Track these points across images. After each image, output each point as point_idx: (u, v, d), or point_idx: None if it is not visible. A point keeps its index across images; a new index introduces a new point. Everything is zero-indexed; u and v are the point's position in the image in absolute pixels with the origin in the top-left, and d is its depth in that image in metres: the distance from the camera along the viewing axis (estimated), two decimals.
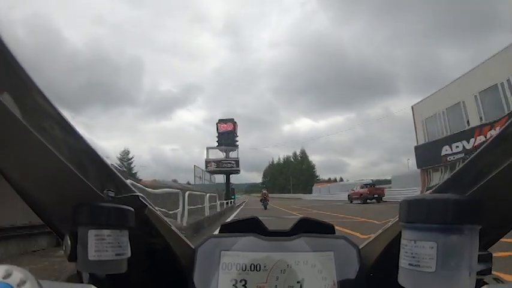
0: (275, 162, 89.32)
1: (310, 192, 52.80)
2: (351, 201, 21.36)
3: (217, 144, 35.47)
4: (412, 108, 19.28)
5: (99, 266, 0.35)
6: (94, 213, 0.35)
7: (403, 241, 0.30)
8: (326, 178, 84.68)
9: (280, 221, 8.34)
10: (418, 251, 0.28)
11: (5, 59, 0.26)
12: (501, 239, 0.37)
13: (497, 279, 0.37)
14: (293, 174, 79.43)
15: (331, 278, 0.45)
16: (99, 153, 0.35)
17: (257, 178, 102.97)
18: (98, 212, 0.35)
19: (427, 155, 16.31)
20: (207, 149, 34.73)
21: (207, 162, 32.96)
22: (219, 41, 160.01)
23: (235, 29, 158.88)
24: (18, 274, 0.23)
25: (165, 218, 0.46)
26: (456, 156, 14.39)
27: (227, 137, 35.57)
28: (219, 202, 12.47)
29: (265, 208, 16.12)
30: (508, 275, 2.03)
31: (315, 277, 0.45)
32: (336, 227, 0.54)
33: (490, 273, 0.33)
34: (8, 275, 0.23)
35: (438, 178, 15.62)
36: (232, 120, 37.09)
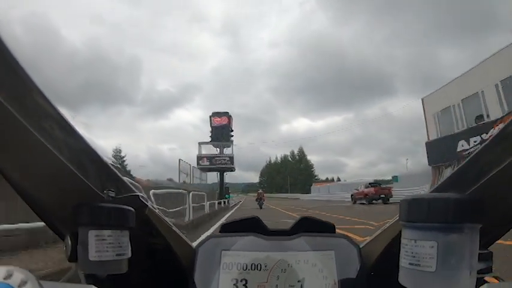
0: (272, 161, 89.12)
1: (308, 192, 52.22)
2: (355, 202, 19.80)
3: (210, 139, 31.37)
4: (422, 100, 17.08)
5: (99, 266, 0.35)
6: (94, 214, 0.35)
7: (403, 240, 0.30)
8: (324, 178, 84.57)
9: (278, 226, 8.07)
10: (419, 250, 0.28)
11: (5, 59, 0.26)
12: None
13: (498, 278, 0.37)
14: (291, 173, 78.84)
15: (332, 277, 0.45)
16: (99, 153, 0.35)
17: (254, 178, 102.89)
18: (99, 212, 0.35)
19: (441, 151, 14.33)
20: (199, 144, 31.02)
21: (199, 158, 29.45)
22: (217, 41, 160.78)
23: (234, 28, 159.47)
24: (19, 275, 0.23)
25: (166, 218, 0.46)
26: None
27: (221, 131, 31.34)
28: (207, 203, 10.61)
29: (261, 208, 16.42)
30: None
31: (316, 276, 0.45)
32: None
33: (491, 271, 0.33)
34: (9, 276, 0.23)
35: None
36: (227, 114, 32.57)
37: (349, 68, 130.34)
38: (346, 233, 0.54)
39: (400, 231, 0.31)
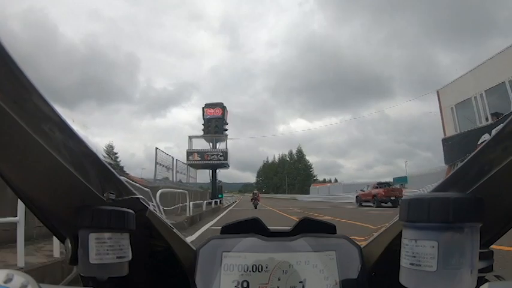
0: (270, 161, 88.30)
1: (307, 192, 51.64)
2: (360, 204, 17.63)
3: (203, 132, 27.46)
4: (438, 93, 15.21)
5: (100, 269, 0.35)
6: (95, 216, 0.34)
7: (403, 240, 0.30)
8: (321, 179, 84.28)
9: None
10: (419, 250, 0.28)
11: (4, 61, 0.26)
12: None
13: (499, 277, 0.37)
14: (289, 173, 78.21)
15: (333, 278, 0.45)
16: (100, 155, 0.35)
17: (251, 178, 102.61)
18: (99, 215, 0.35)
19: (460, 148, 12.30)
20: (190, 137, 26.94)
21: (189, 153, 25.25)
22: (215, 40, 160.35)
23: (232, 28, 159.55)
24: (19, 278, 0.23)
25: (167, 220, 0.46)
26: None
27: (215, 124, 27.48)
28: (190, 204, 8.41)
29: (256, 207, 16.83)
30: None
31: (317, 277, 0.45)
32: None
33: (492, 270, 0.33)
34: (9, 280, 0.23)
35: None
36: (221, 105, 28.47)
37: (347, 69, 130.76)
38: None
39: (401, 231, 0.31)
